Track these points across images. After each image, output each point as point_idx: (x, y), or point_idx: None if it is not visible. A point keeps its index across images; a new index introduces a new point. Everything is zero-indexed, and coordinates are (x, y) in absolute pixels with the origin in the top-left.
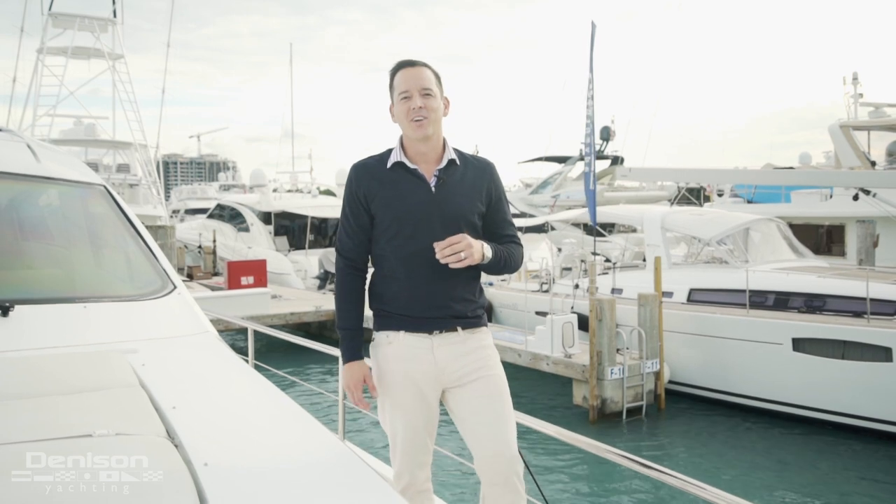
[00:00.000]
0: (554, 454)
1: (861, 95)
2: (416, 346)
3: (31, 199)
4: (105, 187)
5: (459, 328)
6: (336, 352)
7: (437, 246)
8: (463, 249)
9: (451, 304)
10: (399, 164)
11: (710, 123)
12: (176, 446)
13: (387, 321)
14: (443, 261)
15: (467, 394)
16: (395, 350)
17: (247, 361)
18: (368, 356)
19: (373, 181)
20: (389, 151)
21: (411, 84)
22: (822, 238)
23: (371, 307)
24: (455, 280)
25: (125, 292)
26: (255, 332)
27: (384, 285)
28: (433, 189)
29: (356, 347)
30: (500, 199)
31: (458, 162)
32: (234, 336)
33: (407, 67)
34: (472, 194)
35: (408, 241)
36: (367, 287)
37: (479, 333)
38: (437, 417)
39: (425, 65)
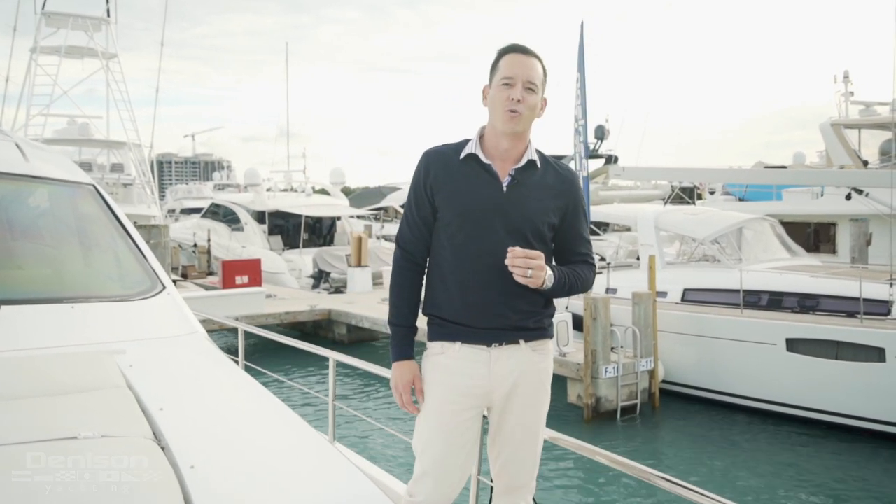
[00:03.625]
0: (547, 458)
1: (852, 94)
2: (472, 360)
3: (20, 198)
4: (94, 187)
5: (522, 341)
6: (327, 353)
7: (513, 250)
8: (534, 268)
9: (510, 314)
10: (472, 157)
11: (708, 123)
12: (162, 448)
13: (441, 331)
14: (510, 267)
15: (511, 421)
16: (447, 361)
17: (237, 362)
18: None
19: (441, 171)
20: (466, 142)
21: (517, 72)
22: (812, 236)
23: (424, 312)
24: (516, 289)
25: (114, 292)
26: (247, 333)
27: (440, 287)
28: (505, 188)
29: (407, 345)
30: (578, 214)
31: (538, 164)
32: (225, 336)
33: (518, 53)
34: (546, 201)
35: (469, 241)
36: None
37: (540, 352)
38: (479, 440)
39: (538, 57)
